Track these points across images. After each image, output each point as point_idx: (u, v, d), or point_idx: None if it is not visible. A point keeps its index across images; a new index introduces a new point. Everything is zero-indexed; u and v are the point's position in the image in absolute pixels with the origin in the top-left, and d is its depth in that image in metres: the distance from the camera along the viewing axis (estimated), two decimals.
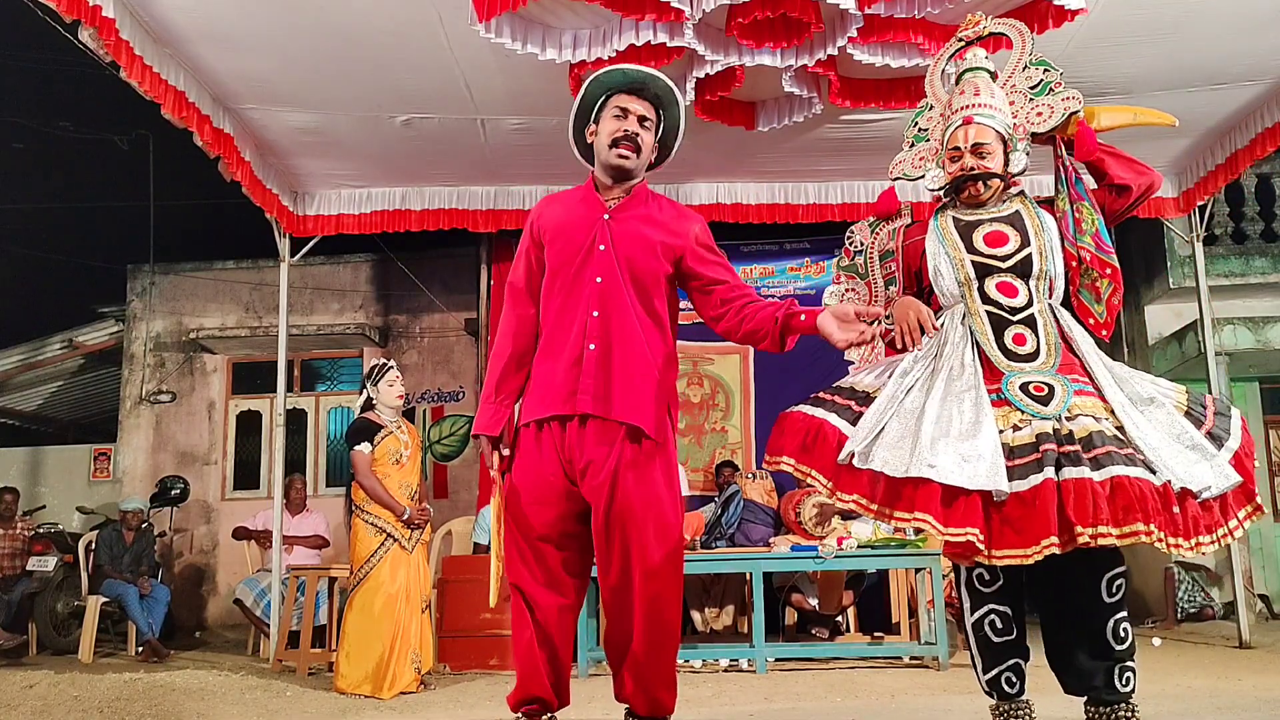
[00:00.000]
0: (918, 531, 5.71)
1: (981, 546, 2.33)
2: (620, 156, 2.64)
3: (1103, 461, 2.36)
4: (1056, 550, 2.29)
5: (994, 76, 2.91)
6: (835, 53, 4.65)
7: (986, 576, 2.64)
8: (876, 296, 3.00)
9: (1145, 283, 8.62)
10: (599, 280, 2.60)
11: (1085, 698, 2.60)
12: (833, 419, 2.61)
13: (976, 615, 2.66)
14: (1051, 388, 2.53)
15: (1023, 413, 2.49)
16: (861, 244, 3.10)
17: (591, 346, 2.56)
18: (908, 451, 2.41)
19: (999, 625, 2.64)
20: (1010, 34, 3.00)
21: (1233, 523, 2.41)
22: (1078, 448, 2.39)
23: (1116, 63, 5.07)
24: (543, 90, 5.07)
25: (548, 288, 2.67)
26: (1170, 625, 7.35)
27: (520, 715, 2.60)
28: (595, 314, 2.58)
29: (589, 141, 2.74)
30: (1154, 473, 2.35)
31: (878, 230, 3.08)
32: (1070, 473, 2.34)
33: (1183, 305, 8.12)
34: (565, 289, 2.62)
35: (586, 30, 4.61)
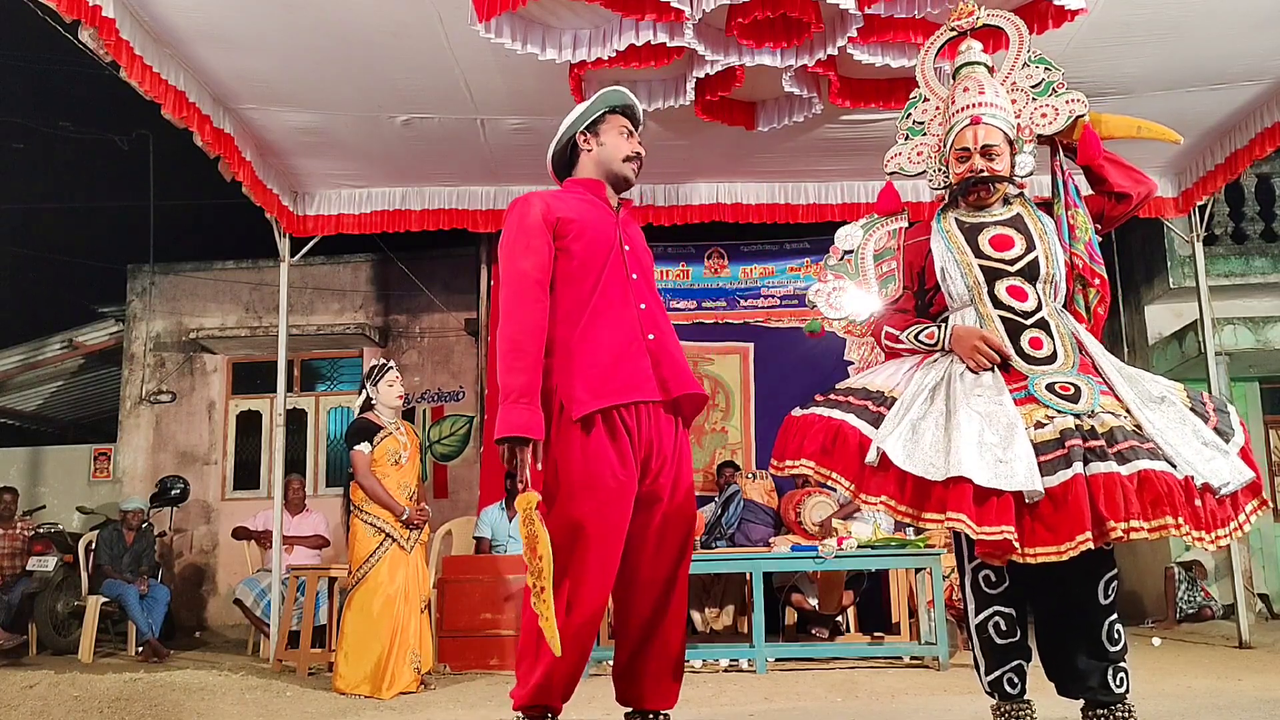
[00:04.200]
0: (919, 531, 5.73)
1: (1017, 545, 2.31)
2: (634, 172, 2.84)
3: (1128, 456, 2.36)
4: (1090, 546, 2.28)
5: (991, 71, 2.90)
6: (835, 53, 4.65)
7: (993, 578, 2.63)
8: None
9: (1145, 283, 8.62)
10: (635, 276, 2.70)
11: (1082, 700, 2.61)
12: (852, 420, 2.56)
13: (981, 617, 2.66)
14: (1078, 387, 2.54)
15: (1048, 409, 2.49)
16: (852, 244, 3.05)
17: (651, 336, 2.66)
18: (943, 455, 2.39)
19: (1003, 627, 2.63)
20: (1006, 28, 2.97)
21: (1241, 517, 2.43)
22: (1102, 443, 2.38)
23: (1116, 63, 5.06)
24: (543, 90, 5.07)
25: (576, 280, 2.64)
26: (1170, 625, 7.34)
27: (521, 715, 2.60)
28: (643, 306, 2.68)
29: (586, 149, 2.84)
30: (1175, 467, 2.36)
31: (871, 230, 3.04)
32: (1098, 467, 2.34)
33: (1183, 305, 8.11)
34: (604, 282, 2.64)
35: (586, 30, 4.61)
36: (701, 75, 4.86)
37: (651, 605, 2.63)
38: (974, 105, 2.78)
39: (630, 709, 2.69)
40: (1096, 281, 2.78)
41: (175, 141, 5.97)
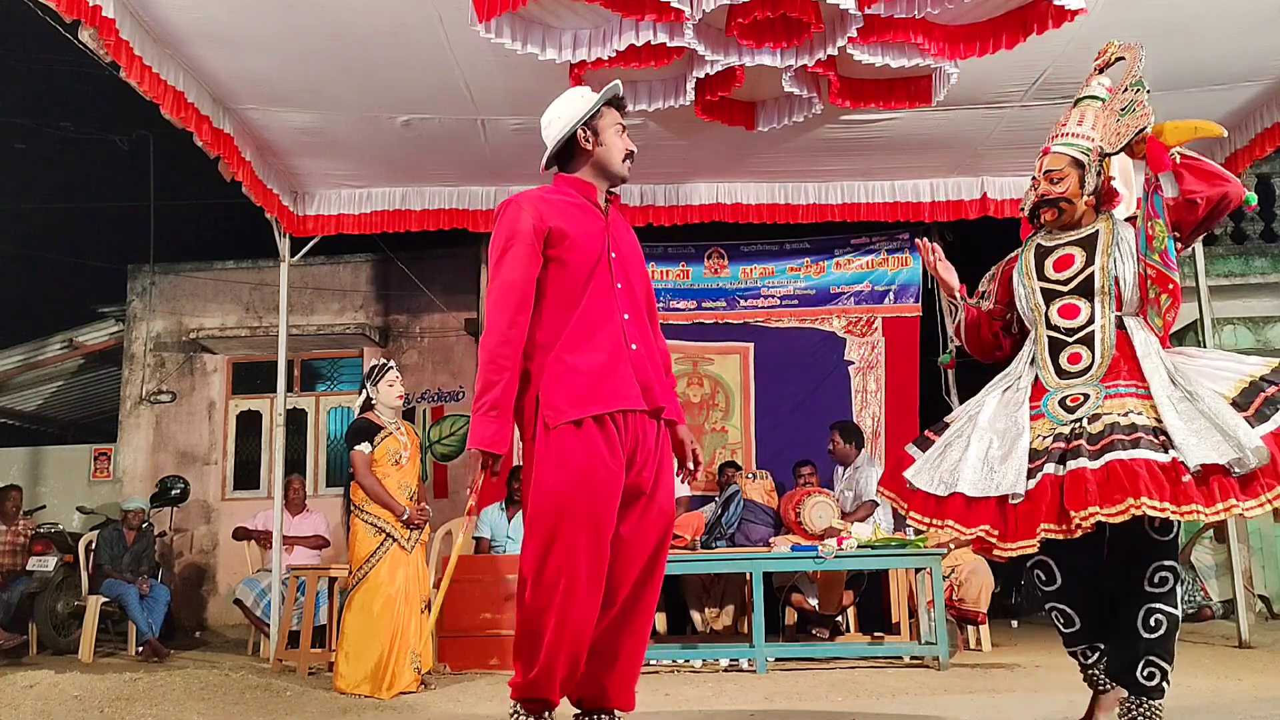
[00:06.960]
0: (919, 532, 5.73)
1: (994, 541, 2.66)
2: (629, 169, 2.85)
3: (1104, 450, 2.56)
4: (1056, 535, 2.55)
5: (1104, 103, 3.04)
6: (835, 53, 4.65)
7: (1043, 577, 2.93)
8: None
9: None
10: (619, 286, 2.71)
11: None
12: (913, 450, 3.02)
13: (1046, 608, 3.00)
14: (1086, 396, 2.74)
15: (1052, 423, 2.74)
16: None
17: (634, 346, 2.68)
18: (952, 473, 2.80)
19: (1062, 620, 2.93)
20: (1126, 55, 3.09)
21: (1264, 498, 2.45)
22: (1082, 442, 2.61)
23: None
24: (543, 90, 5.02)
25: (565, 289, 2.65)
26: None
27: (518, 707, 2.60)
28: (627, 316, 2.70)
29: (586, 147, 2.78)
30: (1166, 452, 2.50)
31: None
32: (1071, 465, 2.58)
33: (1183, 305, 8.09)
34: (591, 293, 2.66)
35: (586, 30, 4.61)
36: (701, 75, 4.86)
37: (623, 601, 2.63)
38: (1055, 136, 3.01)
39: (581, 710, 2.69)
40: (1170, 288, 2.85)
41: (175, 141, 5.97)
